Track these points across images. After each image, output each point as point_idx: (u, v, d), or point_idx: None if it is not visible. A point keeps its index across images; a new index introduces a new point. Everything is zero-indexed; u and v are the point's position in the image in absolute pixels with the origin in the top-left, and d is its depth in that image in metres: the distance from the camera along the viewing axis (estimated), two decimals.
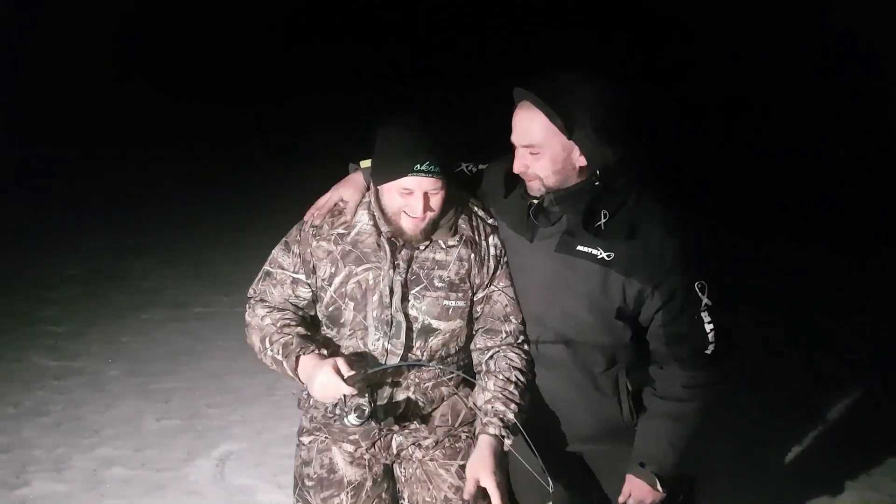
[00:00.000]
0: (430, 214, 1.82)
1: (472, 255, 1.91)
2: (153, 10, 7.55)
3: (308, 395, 1.99)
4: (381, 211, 1.87)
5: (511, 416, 1.81)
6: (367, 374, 1.74)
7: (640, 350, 1.90)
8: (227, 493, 2.39)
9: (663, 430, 1.84)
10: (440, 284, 1.87)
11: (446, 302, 1.87)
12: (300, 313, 1.98)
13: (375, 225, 1.90)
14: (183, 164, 5.74)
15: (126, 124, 7.11)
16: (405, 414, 1.92)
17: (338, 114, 4.88)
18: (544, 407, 2.00)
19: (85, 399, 2.87)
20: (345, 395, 1.79)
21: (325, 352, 1.90)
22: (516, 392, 1.86)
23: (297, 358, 1.86)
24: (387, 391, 1.87)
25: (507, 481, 1.86)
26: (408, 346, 1.88)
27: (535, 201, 1.78)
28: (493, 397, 1.85)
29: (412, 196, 1.79)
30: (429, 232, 1.87)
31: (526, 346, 1.98)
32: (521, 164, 1.74)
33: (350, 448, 1.96)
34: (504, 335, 1.93)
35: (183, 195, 4.93)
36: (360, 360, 1.86)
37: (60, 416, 2.76)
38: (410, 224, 1.83)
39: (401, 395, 1.91)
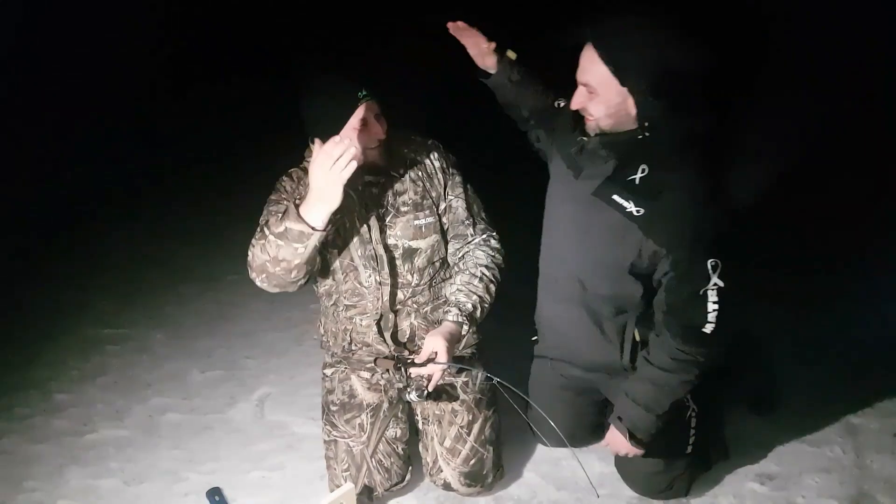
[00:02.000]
0: (378, 138, 1.91)
1: (421, 173, 2.06)
2: None
3: (327, 338, 2.24)
4: None
5: (469, 306, 1.98)
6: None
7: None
8: (266, 428, 2.70)
9: (644, 393, 1.83)
10: (406, 208, 2.04)
11: (416, 221, 2.05)
12: None
13: None
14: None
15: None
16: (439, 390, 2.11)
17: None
18: (552, 330, 2.13)
19: (136, 360, 3.18)
20: (409, 377, 1.99)
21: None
22: (480, 285, 2.02)
23: (296, 207, 1.83)
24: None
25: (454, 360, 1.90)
26: (394, 274, 2.10)
27: (586, 140, 1.75)
28: (457, 290, 2.02)
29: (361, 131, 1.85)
30: (382, 162, 1.99)
31: (493, 243, 2.10)
32: (578, 100, 1.72)
33: (367, 375, 2.23)
34: (469, 237, 2.09)
35: (194, 180, 5.06)
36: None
37: (116, 376, 3.09)
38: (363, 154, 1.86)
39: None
